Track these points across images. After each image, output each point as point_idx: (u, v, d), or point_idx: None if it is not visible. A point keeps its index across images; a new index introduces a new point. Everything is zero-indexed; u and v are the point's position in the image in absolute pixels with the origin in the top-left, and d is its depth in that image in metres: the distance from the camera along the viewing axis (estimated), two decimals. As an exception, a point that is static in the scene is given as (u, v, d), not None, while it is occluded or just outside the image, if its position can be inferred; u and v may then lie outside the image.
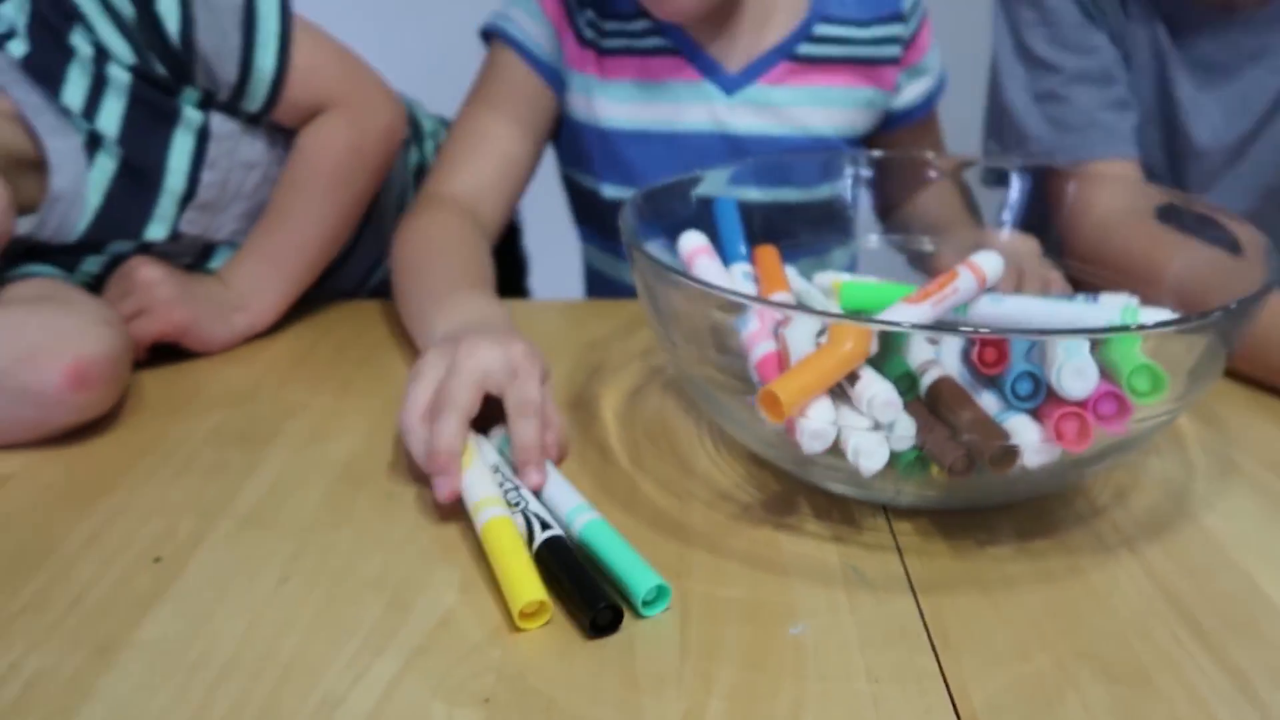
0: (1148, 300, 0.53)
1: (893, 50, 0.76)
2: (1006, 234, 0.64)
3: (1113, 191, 0.63)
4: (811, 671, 0.37)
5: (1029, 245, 0.62)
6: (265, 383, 0.62)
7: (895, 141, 0.80)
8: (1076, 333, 0.41)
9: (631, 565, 0.41)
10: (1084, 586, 0.42)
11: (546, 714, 0.35)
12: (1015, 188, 0.62)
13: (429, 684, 0.37)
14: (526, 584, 0.40)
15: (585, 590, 0.40)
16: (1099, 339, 0.42)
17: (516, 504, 0.45)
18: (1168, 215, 0.57)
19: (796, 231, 0.61)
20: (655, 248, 0.54)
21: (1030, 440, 0.42)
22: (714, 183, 0.59)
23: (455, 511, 0.47)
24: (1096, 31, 0.73)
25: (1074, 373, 0.41)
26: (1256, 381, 0.60)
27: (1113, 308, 0.51)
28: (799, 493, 0.49)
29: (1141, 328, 0.45)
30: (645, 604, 0.40)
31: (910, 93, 0.78)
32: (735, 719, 0.35)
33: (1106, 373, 0.42)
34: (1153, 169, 0.76)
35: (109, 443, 0.54)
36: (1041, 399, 0.43)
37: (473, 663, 0.38)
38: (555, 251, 1.14)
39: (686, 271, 0.49)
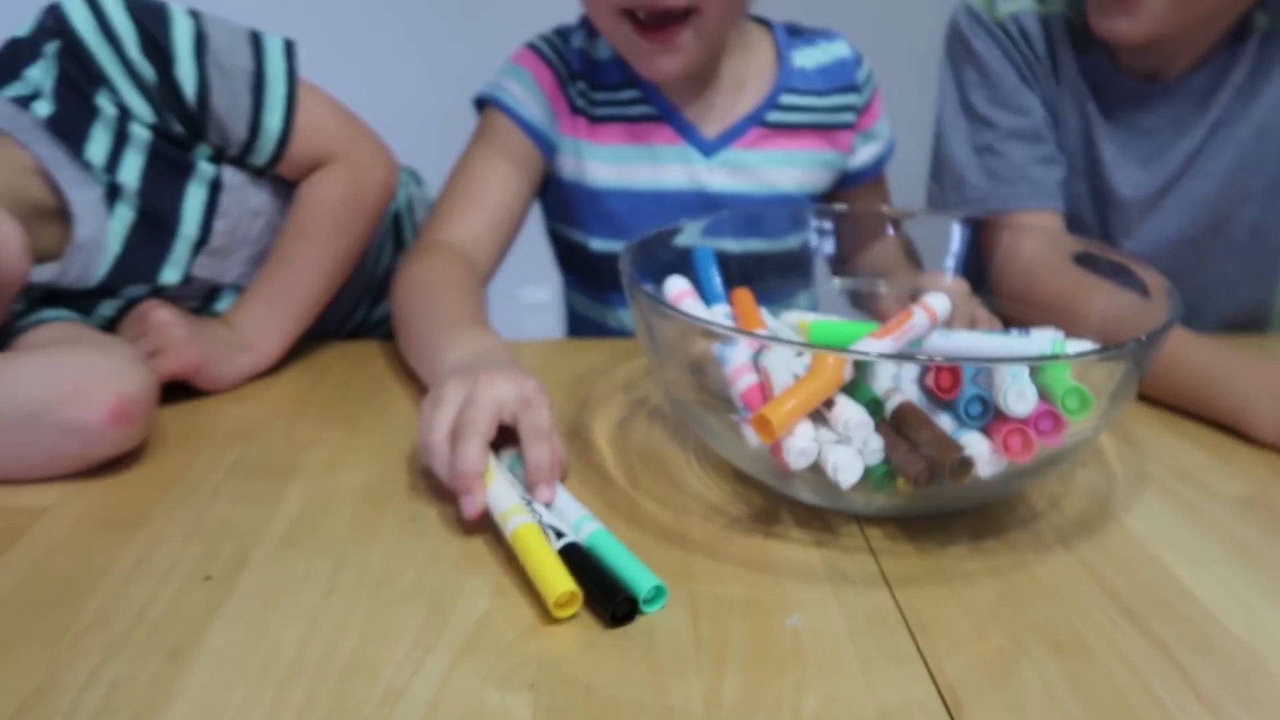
0: (1071, 334, 0.61)
1: (848, 117, 0.85)
2: (940, 276, 0.72)
3: (1038, 239, 0.71)
4: (809, 655, 0.43)
5: (958, 286, 0.70)
6: (276, 420, 0.66)
7: (849, 198, 0.89)
8: (1019, 360, 0.48)
9: (632, 568, 0.47)
10: (1029, 578, 0.50)
11: (587, 696, 0.40)
12: (956, 237, 0.70)
13: (479, 675, 0.41)
14: (558, 578, 0.45)
15: (605, 586, 0.46)
16: (1037, 366, 0.50)
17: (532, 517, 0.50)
18: (1085, 261, 0.66)
19: (766, 276, 0.68)
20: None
21: (982, 453, 0.49)
22: (694, 233, 0.65)
23: (477, 528, 0.52)
24: (1031, 94, 0.83)
25: (1017, 395, 0.48)
26: (1163, 403, 0.69)
27: (1043, 340, 0.59)
28: (781, 505, 0.55)
29: (1071, 356, 0.53)
30: (645, 602, 0.46)
31: (863, 155, 0.88)
32: (749, 695, 0.41)
33: (1043, 395, 0.49)
34: (1081, 216, 0.86)
35: (137, 476, 0.58)
36: (990, 418, 0.50)
37: (514, 656, 0.43)
38: (503, 293, 1.19)
39: (683, 310, 0.55)
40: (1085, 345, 0.57)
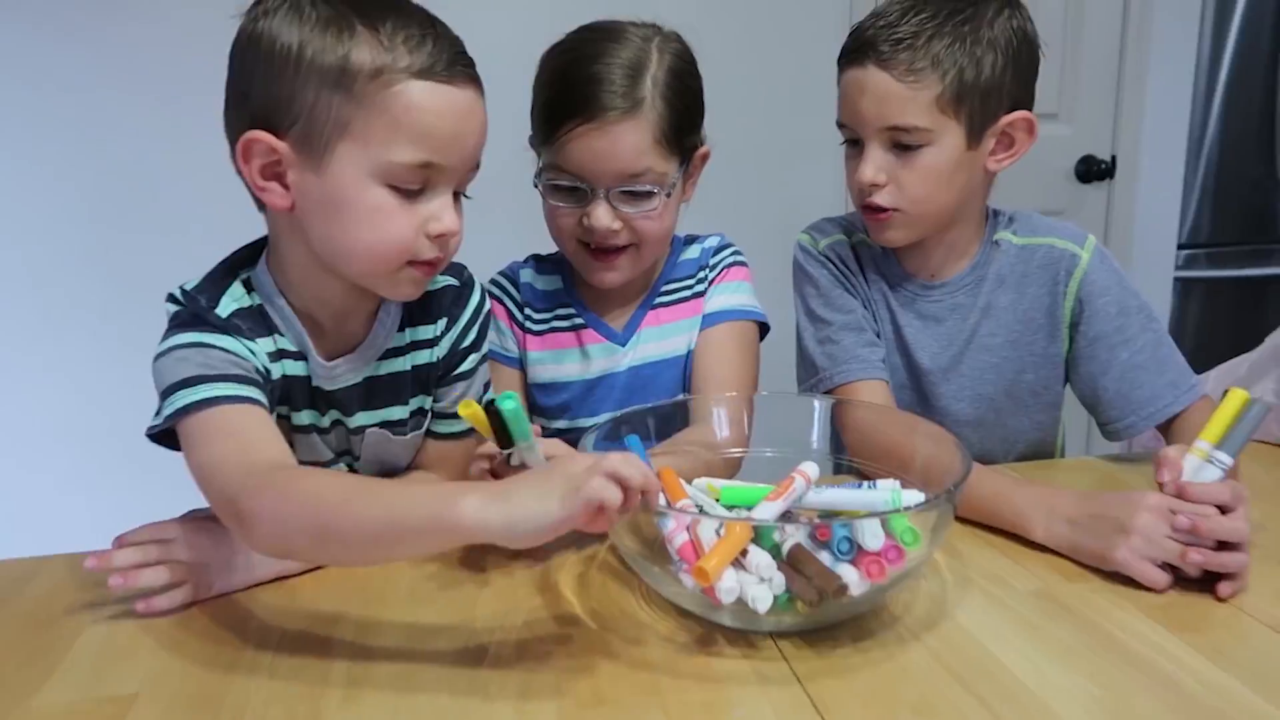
0: (905, 481, 0.83)
1: (702, 287, 1.14)
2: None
3: (869, 406, 0.96)
4: (752, 736, 0.62)
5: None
6: (299, 606, 0.80)
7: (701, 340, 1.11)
8: (870, 514, 0.70)
9: None
10: (894, 665, 0.70)
11: (607, 782, 0.58)
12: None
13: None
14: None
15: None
16: (883, 516, 0.71)
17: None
18: (909, 423, 0.90)
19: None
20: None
21: (852, 579, 0.70)
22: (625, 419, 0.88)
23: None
24: (852, 299, 1.10)
25: (871, 536, 0.70)
26: (974, 522, 0.92)
27: (886, 490, 0.81)
28: (715, 631, 0.74)
29: (905, 509, 0.75)
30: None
31: (711, 305, 1.12)
32: (716, 768, 0.59)
33: (889, 534, 0.71)
34: (900, 383, 1.12)
35: (201, 662, 0.72)
36: (855, 553, 0.71)
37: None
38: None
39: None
40: (915, 493, 0.80)
